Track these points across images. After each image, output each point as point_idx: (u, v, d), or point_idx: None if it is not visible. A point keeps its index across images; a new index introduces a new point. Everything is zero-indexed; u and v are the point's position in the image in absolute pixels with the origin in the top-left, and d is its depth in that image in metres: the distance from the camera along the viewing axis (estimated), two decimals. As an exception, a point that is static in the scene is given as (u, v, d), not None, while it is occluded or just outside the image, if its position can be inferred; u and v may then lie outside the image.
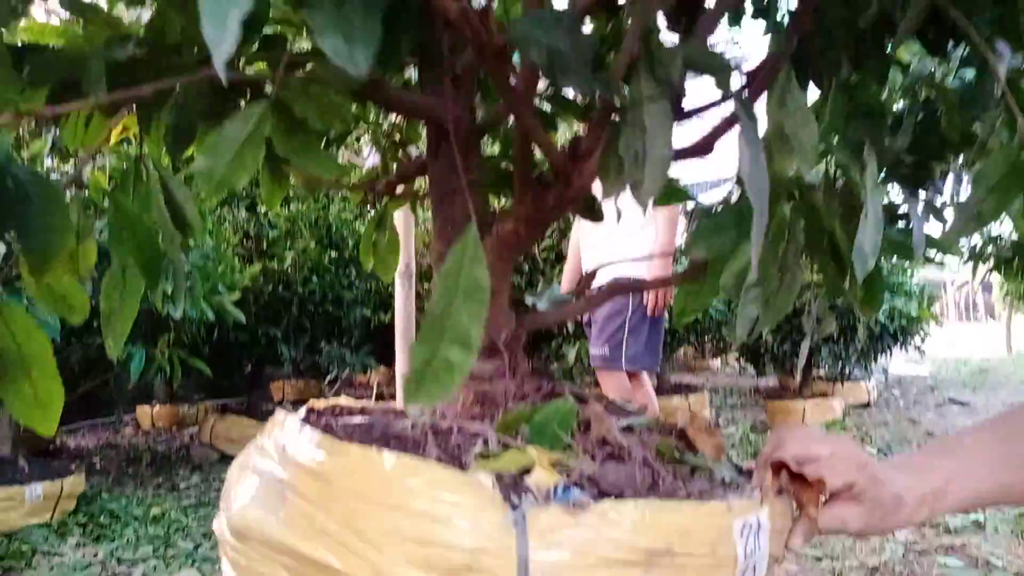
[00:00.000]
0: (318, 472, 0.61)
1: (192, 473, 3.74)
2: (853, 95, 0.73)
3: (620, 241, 2.75)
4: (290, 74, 0.66)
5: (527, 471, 0.60)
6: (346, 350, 4.43)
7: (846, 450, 0.70)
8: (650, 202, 0.58)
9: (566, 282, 3.24)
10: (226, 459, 3.96)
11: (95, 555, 2.47)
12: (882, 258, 0.83)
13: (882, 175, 0.81)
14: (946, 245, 0.83)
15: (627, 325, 2.84)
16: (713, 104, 0.72)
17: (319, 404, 0.87)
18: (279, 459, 0.66)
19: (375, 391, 6.02)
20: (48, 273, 0.62)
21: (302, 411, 0.81)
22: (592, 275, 1.02)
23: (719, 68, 0.60)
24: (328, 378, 5.86)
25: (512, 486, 0.58)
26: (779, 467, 0.71)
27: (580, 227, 3.16)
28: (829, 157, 0.77)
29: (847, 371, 5.46)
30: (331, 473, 0.61)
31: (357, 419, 0.80)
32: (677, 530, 0.57)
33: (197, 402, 5.40)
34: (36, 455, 3.24)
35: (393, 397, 5.06)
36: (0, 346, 0.61)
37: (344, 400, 0.88)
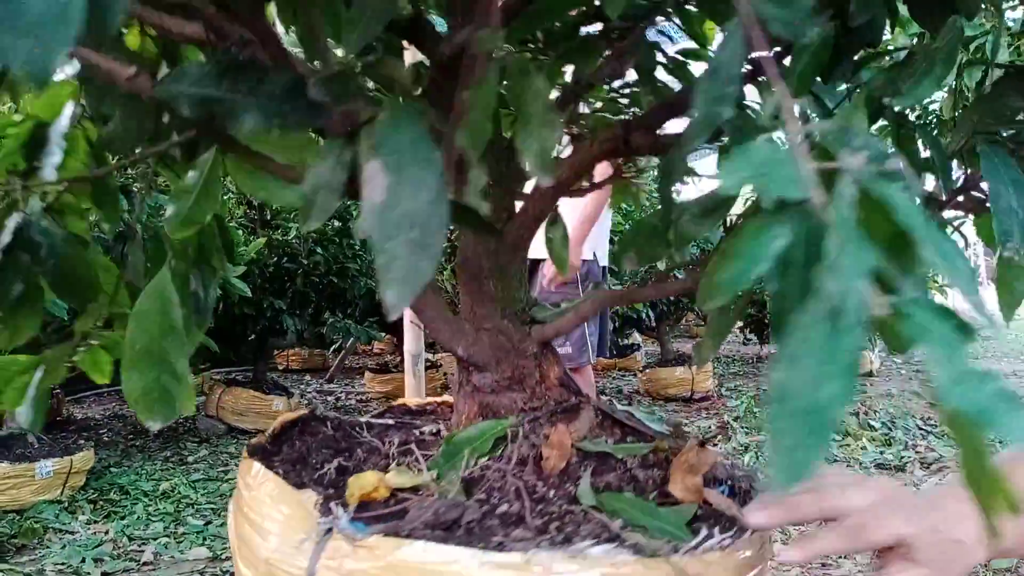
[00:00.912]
0: (240, 477, 0.70)
1: (200, 446, 3.77)
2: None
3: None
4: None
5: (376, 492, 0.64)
6: (350, 321, 4.42)
7: (889, 495, 0.58)
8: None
9: None
10: (233, 432, 3.98)
11: (106, 532, 2.49)
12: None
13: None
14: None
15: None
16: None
17: (410, 401, 0.95)
18: None
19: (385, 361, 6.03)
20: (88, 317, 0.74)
21: (380, 409, 0.91)
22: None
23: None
24: (333, 347, 5.89)
25: (328, 508, 0.61)
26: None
27: None
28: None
29: (851, 341, 5.46)
30: (240, 479, 0.69)
31: (367, 419, 0.85)
32: None
33: (201, 372, 5.42)
34: (45, 428, 3.25)
35: (396, 367, 5.07)
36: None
37: (431, 399, 0.95)
